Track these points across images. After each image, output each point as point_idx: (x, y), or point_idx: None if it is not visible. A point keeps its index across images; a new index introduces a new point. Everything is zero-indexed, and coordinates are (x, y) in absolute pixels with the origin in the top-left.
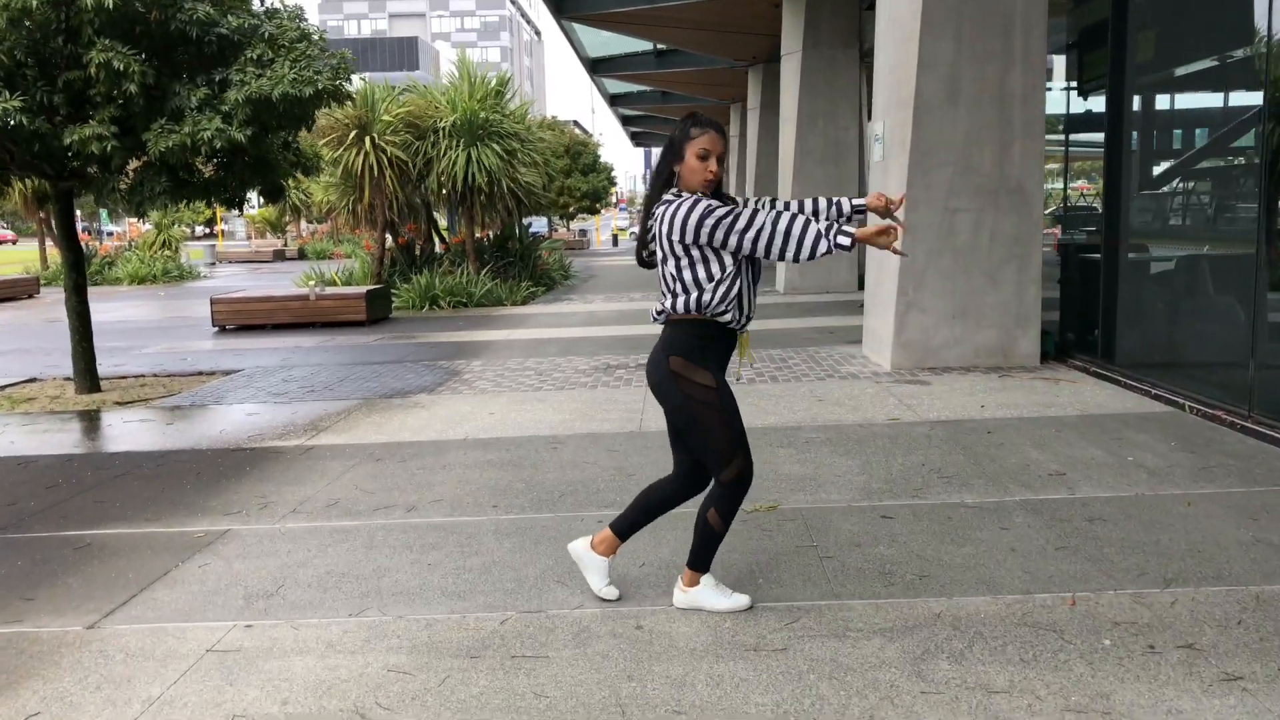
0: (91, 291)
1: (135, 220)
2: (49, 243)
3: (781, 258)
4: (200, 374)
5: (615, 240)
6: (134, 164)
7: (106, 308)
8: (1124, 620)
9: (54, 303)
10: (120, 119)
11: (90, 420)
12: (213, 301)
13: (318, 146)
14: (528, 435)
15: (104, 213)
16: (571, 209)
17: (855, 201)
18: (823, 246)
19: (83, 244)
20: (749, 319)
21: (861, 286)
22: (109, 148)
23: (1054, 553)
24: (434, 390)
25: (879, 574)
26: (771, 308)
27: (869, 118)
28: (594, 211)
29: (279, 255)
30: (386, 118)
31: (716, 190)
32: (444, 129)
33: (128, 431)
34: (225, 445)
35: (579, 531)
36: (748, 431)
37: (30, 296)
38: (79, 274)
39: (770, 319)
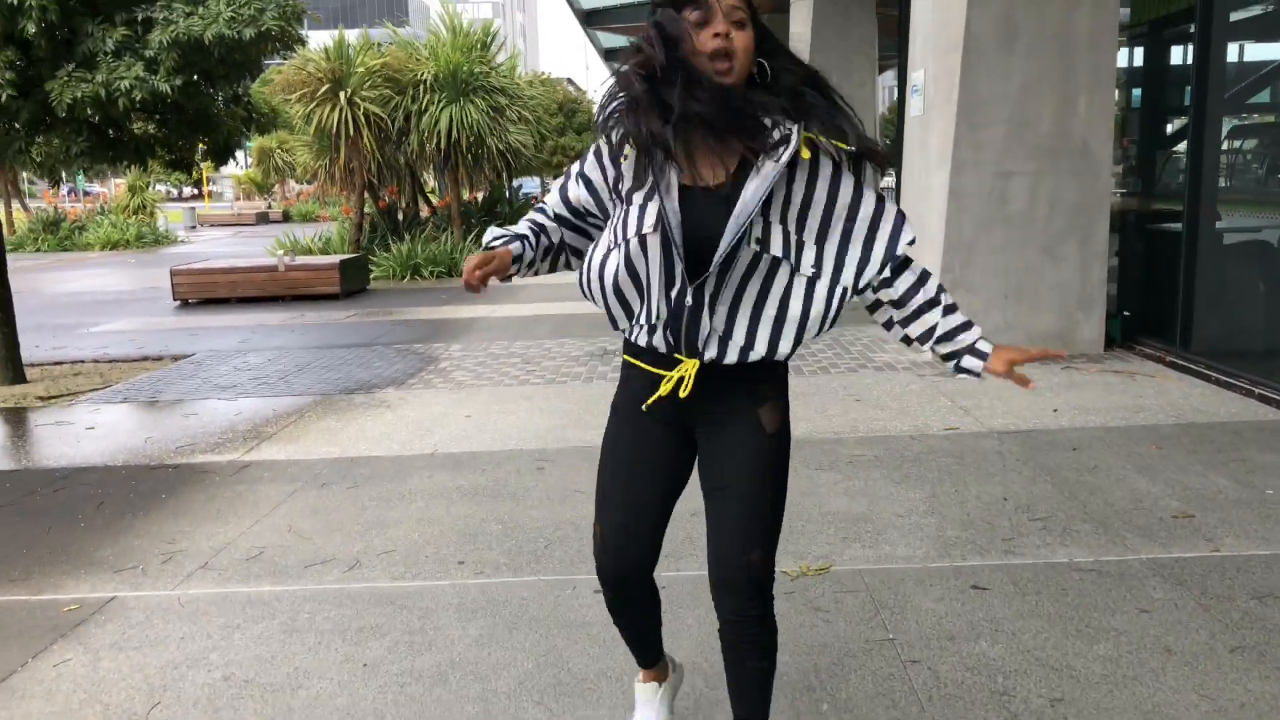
0: (58, 259)
1: (121, 181)
2: (14, 205)
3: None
4: (146, 359)
5: None
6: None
7: (69, 277)
8: None
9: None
10: (21, 66)
11: None
12: (173, 274)
13: (284, 100)
14: (509, 449)
15: (80, 174)
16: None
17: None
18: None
19: (50, 206)
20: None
21: None
22: (4, 97)
23: (1229, 657)
24: (404, 383)
25: (992, 696)
26: None
27: (879, 72)
28: None
29: (263, 218)
30: (362, 70)
31: (762, 78)
32: (425, 82)
33: (37, 440)
34: (146, 460)
35: (568, 606)
36: None
37: None
38: None
39: None
